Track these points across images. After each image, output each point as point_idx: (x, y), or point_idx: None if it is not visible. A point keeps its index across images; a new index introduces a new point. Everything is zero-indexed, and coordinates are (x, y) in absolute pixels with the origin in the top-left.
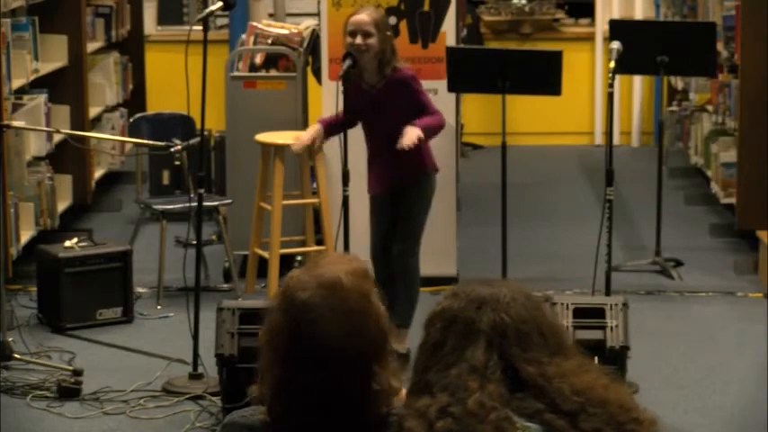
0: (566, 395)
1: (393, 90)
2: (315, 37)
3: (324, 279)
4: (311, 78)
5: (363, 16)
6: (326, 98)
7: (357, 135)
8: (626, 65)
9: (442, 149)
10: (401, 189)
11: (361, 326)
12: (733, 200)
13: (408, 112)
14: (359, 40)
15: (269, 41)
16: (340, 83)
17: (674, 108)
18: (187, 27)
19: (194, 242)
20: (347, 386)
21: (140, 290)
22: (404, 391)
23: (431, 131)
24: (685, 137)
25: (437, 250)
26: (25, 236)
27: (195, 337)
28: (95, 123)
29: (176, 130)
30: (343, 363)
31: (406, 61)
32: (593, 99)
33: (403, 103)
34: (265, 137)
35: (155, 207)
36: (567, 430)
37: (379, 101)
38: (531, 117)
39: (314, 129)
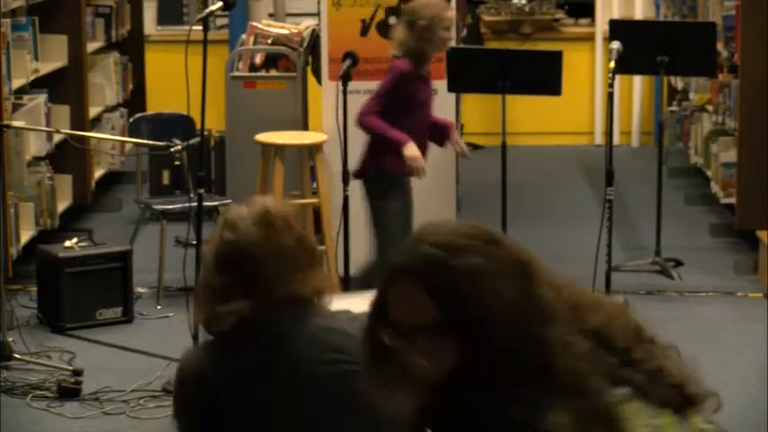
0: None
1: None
2: (315, 37)
3: (253, 206)
4: (311, 78)
5: (452, 12)
6: (326, 98)
7: (357, 135)
8: (626, 65)
9: (442, 149)
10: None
11: (278, 238)
12: (733, 200)
13: None
14: (450, 34)
15: (269, 41)
16: (340, 83)
17: (674, 108)
18: (187, 27)
19: (194, 242)
20: (266, 287)
21: (140, 290)
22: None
23: None
24: (685, 137)
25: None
26: (25, 236)
27: (195, 337)
28: (95, 123)
29: (176, 130)
30: (261, 267)
31: None
32: (593, 99)
33: None
34: (265, 137)
35: (155, 207)
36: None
37: (429, 88)
38: (531, 117)
39: (414, 146)
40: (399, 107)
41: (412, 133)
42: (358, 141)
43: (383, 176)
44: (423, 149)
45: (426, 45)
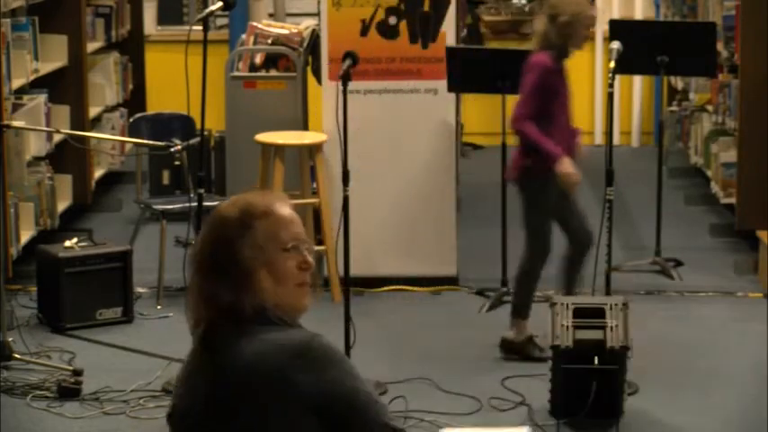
0: None
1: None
2: (315, 37)
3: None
4: (311, 78)
5: (595, 10)
6: (326, 98)
7: (357, 135)
8: (626, 65)
9: (442, 149)
10: None
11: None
12: (733, 200)
13: None
14: (590, 32)
15: (269, 41)
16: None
17: (674, 108)
18: (187, 27)
19: (194, 242)
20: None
21: (140, 290)
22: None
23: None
24: (685, 137)
25: (437, 250)
26: (25, 236)
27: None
28: (95, 123)
29: (176, 130)
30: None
31: (407, 61)
32: (593, 99)
33: None
34: (265, 137)
35: (155, 207)
36: None
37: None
38: None
39: (567, 162)
40: (548, 105)
41: (561, 135)
42: (358, 141)
43: (536, 176)
44: (572, 151)
45: (567, 41)
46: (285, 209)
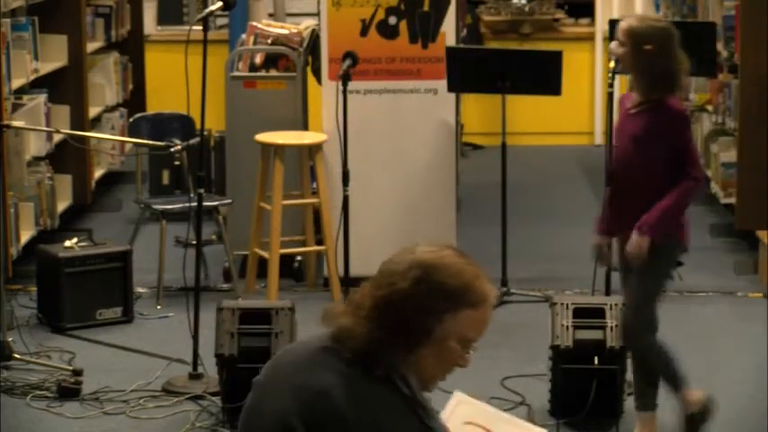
0: None
1: (655, 121)
2: (315, 37)
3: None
4: (311, 78)
5: (623, 22)
6: (326, 98)
7: (357, 135)
8: None
9: (442, 149)
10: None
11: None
12: (733, 200)
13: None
14: (613, 45)
15: (269, 41)
16: (340, 83)
17: None
18: (187, 27)
19: (194, 242)
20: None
21: (140, 290)
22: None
23: (673, 212)
24: None
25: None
26: (25, 236)
27: (195, 337)
28: (95, 123)
29: (176, 130)
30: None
31: (407, 61)
32: (593, 99)
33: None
34: (265, 137)
35: (155, 207)
36: None
37: (632, 126)
38: (531, 117)
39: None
40: None
41: None
42: (358, 141)
43: (679, 245)
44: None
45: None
46: (492, 302)
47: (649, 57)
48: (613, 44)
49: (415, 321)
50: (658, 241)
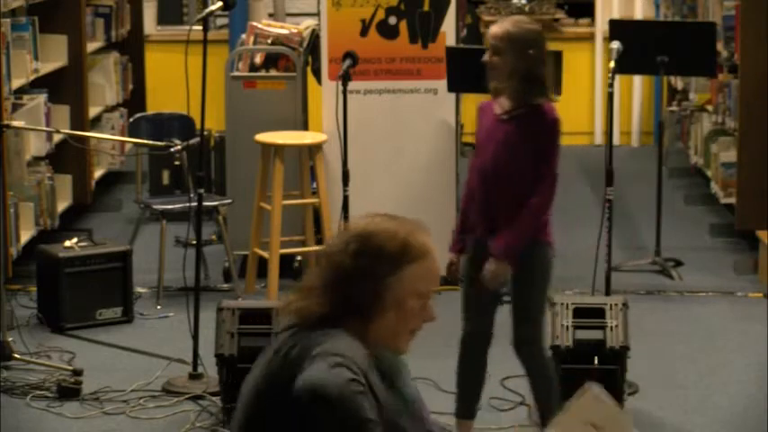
0: None
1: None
2: (315, 37)
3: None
4: (311, 78)
5: (495, 28)
6: (326, 98)
7: (357, 135)
8: (626, 65)
9: (442, 149)
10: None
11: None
12: (733, 200)
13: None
14: (487, 55)
15: (269, 41)
16: (340, 83)
17: (674, 108)
18: (187, 27)
19: (194, 242)
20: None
21: (140, 290)
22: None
23: (529, 228)
24: (685, 137)
25: (437, 250)
26: (25, 236)
27: (195, 337)
28: (95, 123)
29: (176, 130)
30: None
31: (407, 61)
32: (593, 99)
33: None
34: (265, 137)
35: (155, 207)
36: None
37: (504, 132)
38: None
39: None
40: None
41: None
42: (358, 141)
43: (549, 248)
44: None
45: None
46: (434, 252)
47: (530, 61)
48: (486, 54)
49: (365, 292)
50: (526, 252)
